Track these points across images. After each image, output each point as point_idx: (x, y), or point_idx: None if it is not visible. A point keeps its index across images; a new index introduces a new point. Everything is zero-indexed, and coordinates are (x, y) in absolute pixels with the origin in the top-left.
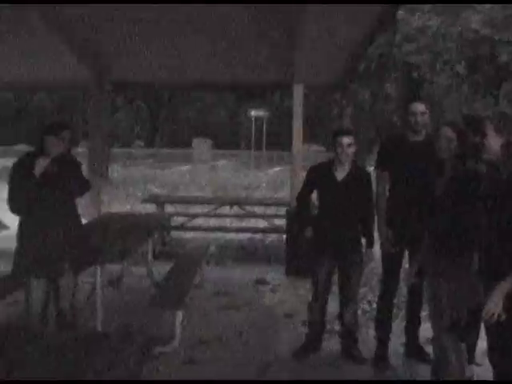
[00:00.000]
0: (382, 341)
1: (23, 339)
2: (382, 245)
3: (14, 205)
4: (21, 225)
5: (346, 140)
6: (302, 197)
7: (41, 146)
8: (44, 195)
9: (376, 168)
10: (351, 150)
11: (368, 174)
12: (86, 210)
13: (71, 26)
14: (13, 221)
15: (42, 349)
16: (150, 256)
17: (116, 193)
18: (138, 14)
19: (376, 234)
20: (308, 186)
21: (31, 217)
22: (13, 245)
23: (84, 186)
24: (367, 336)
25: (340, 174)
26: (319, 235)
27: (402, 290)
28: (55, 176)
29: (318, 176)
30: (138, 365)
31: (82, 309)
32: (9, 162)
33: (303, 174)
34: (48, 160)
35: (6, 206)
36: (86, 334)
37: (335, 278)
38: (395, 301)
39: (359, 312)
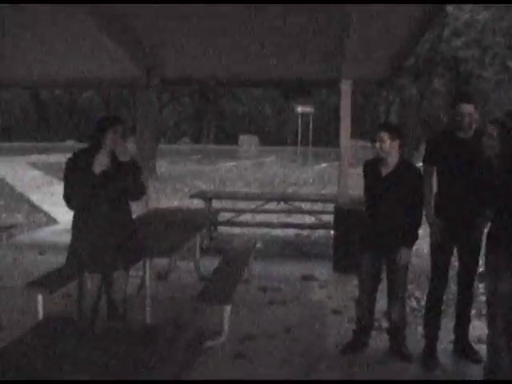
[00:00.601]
0: (431, 339)
1: (74, 332)
2: (430, 239)
3: (72, 201)
4: (75, 219)
5: (380, 134)
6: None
7: (98, 140)
8: (101, 190)
9: (424, 163)
10: (386, 145)
11: (417, 170)
12: (134, 206)
13: (121, 23)
14: (63, 215)
15: (92, 341)
16: (197, 251)
17: (163, 188)
18: (185, 10)
19: (422, 230)
20: (364, 181)
21: (87, 211)
22: (63, 239)
23: (140, 191)
24: (415, 333)
25: (385, 169)
26: (365, 231)
27: (451, 287)
28: (113, 171)
29: (367, 171)
30: (188, 359)
31: (132, 302)
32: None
33: (351, 170)
34: (107, 155)
35: (56, 201)
36: (135, 327)
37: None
38: (444, 298)
39: (407, 309)
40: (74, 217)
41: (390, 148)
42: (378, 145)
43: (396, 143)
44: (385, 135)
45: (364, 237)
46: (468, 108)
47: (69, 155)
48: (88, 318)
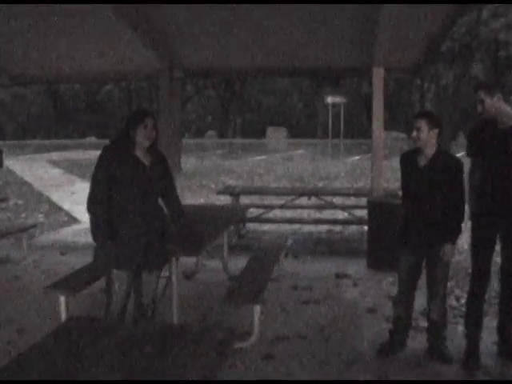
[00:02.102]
0: (473, 339)
1: (99, 333)
2: (472, 233)
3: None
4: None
5: (417, 123)
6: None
7: (127, 135)
8: (149, 184)
9: (466, 154)
10: (424, 134)
11: (457, 160)
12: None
13: (142, 14)
14: (84, 214)
15: (118, 343)
16: (225, 249)
17: (189, 184)
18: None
19: (464, 225)
20: (401, 174)
21: (121, 207)
22: (85, 239)
23: (170, 190)
24: (456, 333)
25: (423, 161)
26: (404, 226)
27: (494, 284)
28: (148, 168)
29: (404, 163)
30: (217, 361)
31: (158, 302)
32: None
33: (384, 163)
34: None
35: (77, 200)
36: (162, 327)
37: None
38: (486, 296)
39: (447, 308)
40: (107, 212)
41: (427, 137)
42: (414, 134)
43: (434, 132)
44: (422, 123)
45: (403, 232)
46: (479, 95)
47: (90, 152)
48: (114, 320)
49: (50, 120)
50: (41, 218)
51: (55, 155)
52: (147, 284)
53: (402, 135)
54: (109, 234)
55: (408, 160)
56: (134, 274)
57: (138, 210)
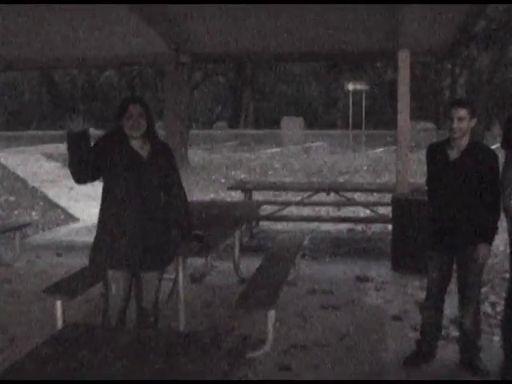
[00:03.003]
0: (510, 350)
1: (99, 341)
2: (509, 234)
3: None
4: (103, 209)
5: (458, 112)
6: (427, 181)
7: (119, 127)
8: (146, 176)
9: (501, 146)
10: (465, 124)
11: (491, 152)
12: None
13: None
14: (82, 212)
15: (119, 351)
16: (236, 249)
17: (197, 179)
18: None
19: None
20: (428, 168)
21: (117, 201)
22: (83, 238)
23: (173, 185)
24: (491, 344)
25: (454, 153)
26: (432, 225)
27: None
28: (145, 159)
29: (432, 156)
30: (228, 371)
31: (163, 308)
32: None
33: (410, 156)
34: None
35: (74, 196)
36: (168, 335)
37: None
38: None
39: (481, 316)
40: (102, 207)
41: (468, 127)
42: (455, 125)
43: (473, 122)
44: (465, 112)
45: (431, 232)
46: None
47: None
48: (113, 327)
49: (44, 109)
50: (35, 215)
51: (51, 147)
52: (148, 287)
53: (430, 125)
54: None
55: (437, 153)
56: (131, 276)
57: (133, 206)
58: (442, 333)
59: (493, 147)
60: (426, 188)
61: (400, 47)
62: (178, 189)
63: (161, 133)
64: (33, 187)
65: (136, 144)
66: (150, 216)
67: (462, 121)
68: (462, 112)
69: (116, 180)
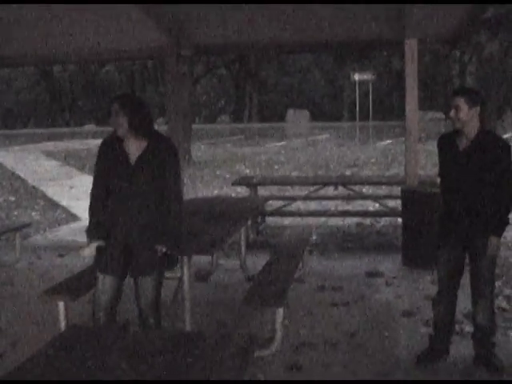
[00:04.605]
0: None
1: (103, 343)
2: None
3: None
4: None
5: (455, 101)
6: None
7: None
8: (135, 179)
9: None
10: (463, 113)
11: (502, 142)
12: None
13: None
14: (84, 211)
15: (124, 353)
16: (242, 246)
17: (201, 175)
18: None
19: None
20: (439, 159)
21: (114, 204)
22: (85, 238)
23: (164, 187)
24: (507, 339)
25: (463, 143)
26: (443, 217)
27: None
28: (135, 161)
29: (442, 146)
30: (235, 371)
31: (168, 307)
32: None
33: (419, 147)
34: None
35: (76, 195)
36: (174, 335)
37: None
38: None
39: (495, 310)
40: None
41: (467, 116)
42: (452, 113)
43: (475, 110)
44: (460, 100)
45: (442, 224)
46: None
47: (89, 141)
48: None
49: (42, 106)
50: (36, 215)
51: (50, 145)
52: (144, 290)
53: (439, 115)
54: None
55: (447, 143)
56: (118, 279)
57: (121, 211)
58: (456, 328)
59: (505, 136)
60: (439, 180)
61: (407, 35)
62: (169, 195)
63: (163, 128)
64: (32, 186)
65: (129, 145)
66: (135, 220)
67: (460, 110)
68: (459, 101)
69: (109, 185)
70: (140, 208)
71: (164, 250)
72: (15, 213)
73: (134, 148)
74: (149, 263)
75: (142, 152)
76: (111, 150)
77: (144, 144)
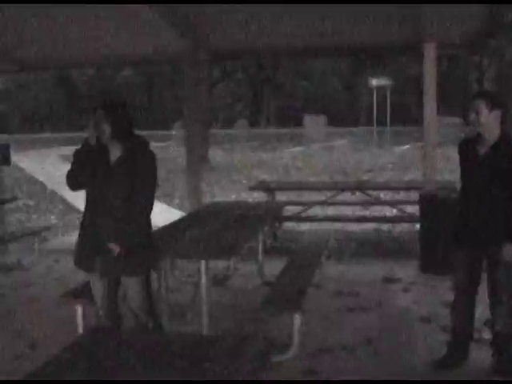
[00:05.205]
0: None
1: (123, 345)
2: None
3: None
4: (84, 212)
5: (474, 104)
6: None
7: None
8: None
9: None
10: (483, 116)
11: None
12: (185, 201)
13: None
14: None
15: (142, 356)
16: (260, 251)
17: (218, 180)
18: None
19: None
20: (460, 165)
21: (93, 205)
22: None
23: (146, 194)
24: None
25: (483, 148)
26: (461, 223)
27: None
28: (114, 162)
29: (462, 151)
30: (253, 376)
31: (186, 311)
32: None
33: (438, 152)
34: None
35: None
36: (191, 338)
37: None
38: None
39: None
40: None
41: (487, 120)
42: (472, 117)
43: (495, 114)
44: (481, 103)
45: (459, 230)
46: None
47: None
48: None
49: (60, 111)
50: (54, 219)
51: (68, 150)
52: (130, 292)
53: (457, 120)
54: None
55: (467, 148)
56: (107, 279)
57: (95, 209)
58: (475, 335)
59: None
60: (460, 185)
61: (425, 40)
62: (138, 198)
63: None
64: (51, 190)
65: (112, 149)
66: (107, 222)
67: (480, 113)
68: (479, 104)
69: (90, 187)
70: (111, 209)
71: (117, 249)
72: (34, 216)
73: (114, 152)
74: (121, 263)
75: (119, 156)
76: (98, 153)
77: (122, 147)
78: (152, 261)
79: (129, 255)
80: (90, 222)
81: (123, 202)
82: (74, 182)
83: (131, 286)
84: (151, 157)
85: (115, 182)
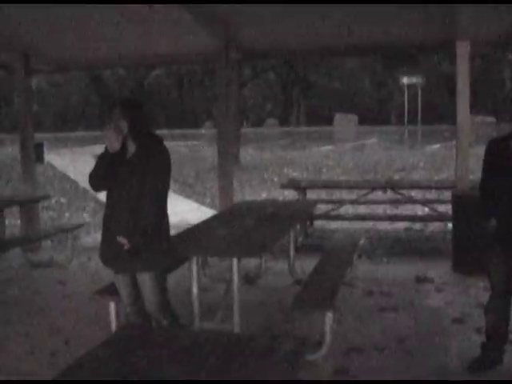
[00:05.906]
0: None
1: (157, 342)
2: None
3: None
4: (105, 207)
5: None
6: (483, 182)
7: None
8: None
9: None
10: None
11: None
12: (217, 200)
13: None
14: None
15: (176, 351)
16: (291, 250)
17: (249, 178)
18: None
19: None
20: (486, 166)
21: (110, 203)
22: None
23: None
24: None
25: None
26: (498, 224)
27: None
28: (129, 158)
29: (492, 152)
30: (286, 375)
31: (216, 309)
32: None
33: (470, 151)
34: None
35: None
36: (225, 337)
37: None
38: None
39: None
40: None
41: None
42: None
43: None
44: None
45: (496, 231)
46: None
47: None
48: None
49: (92, 110)
50: (86, 217)
51: (100, 148)
52: (144, 289)
53: (490, 119)
54: None
55: (498, 148)
56: (128, 274)
57: (113, 204)
58: (510, 337)
59: None
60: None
61: (458, 38)
62: (148, 194)
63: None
64: (83, 189)
65: (128, 145)
66: (120, 217)
67: None
68: None
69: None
70: (126, 204)
71: (126, 244)
72: (66, 214)
73: (131, 146)
74: (131, 258)
75: (134, 151)
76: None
77: (138, 144)
78: (165, 257)
79: (139, 250)
80: (108, 219)
81: (136, 197)
82: (95, 182)
83: (143, 282)
84: (165, 153)
85: (130, 177)
